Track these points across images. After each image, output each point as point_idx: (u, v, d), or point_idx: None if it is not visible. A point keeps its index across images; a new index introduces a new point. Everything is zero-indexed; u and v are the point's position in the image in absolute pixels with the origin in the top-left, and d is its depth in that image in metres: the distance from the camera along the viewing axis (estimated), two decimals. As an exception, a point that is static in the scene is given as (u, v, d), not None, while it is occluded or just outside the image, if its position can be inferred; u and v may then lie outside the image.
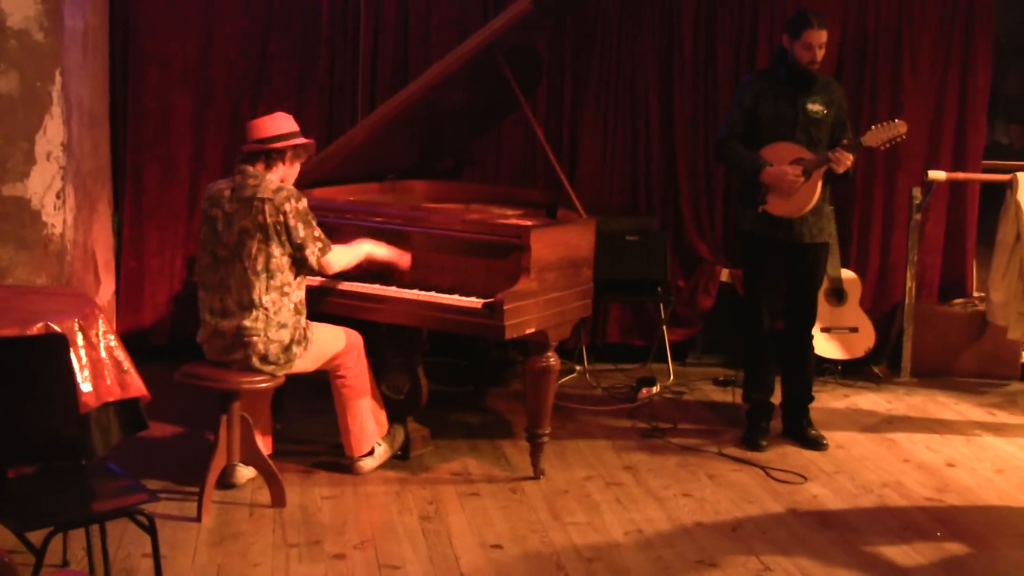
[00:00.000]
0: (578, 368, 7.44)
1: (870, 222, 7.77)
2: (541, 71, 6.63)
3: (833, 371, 7.45)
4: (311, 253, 5.04)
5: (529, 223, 5.43)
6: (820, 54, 5.92)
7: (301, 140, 5.15)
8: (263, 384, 5.04)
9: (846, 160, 5.80)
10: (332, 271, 5.22)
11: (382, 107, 6.04)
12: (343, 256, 5.25)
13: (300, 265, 5.08)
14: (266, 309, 5.00)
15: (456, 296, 5.30)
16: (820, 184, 5.91)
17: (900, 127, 5.96)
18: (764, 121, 5.97)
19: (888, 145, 6.02)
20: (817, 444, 6.15)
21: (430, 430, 5.96)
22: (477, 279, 5.34)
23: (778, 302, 6.20)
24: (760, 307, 6.14)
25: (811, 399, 6.29)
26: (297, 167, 5.21)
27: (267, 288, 5.00)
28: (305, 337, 5.13)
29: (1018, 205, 7.33)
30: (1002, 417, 6.92)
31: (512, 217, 5.79)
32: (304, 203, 5.06)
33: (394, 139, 6.17)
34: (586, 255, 5.72)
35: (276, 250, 4.99)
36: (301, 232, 5.00)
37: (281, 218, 4.96)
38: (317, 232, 5.08)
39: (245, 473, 5.36)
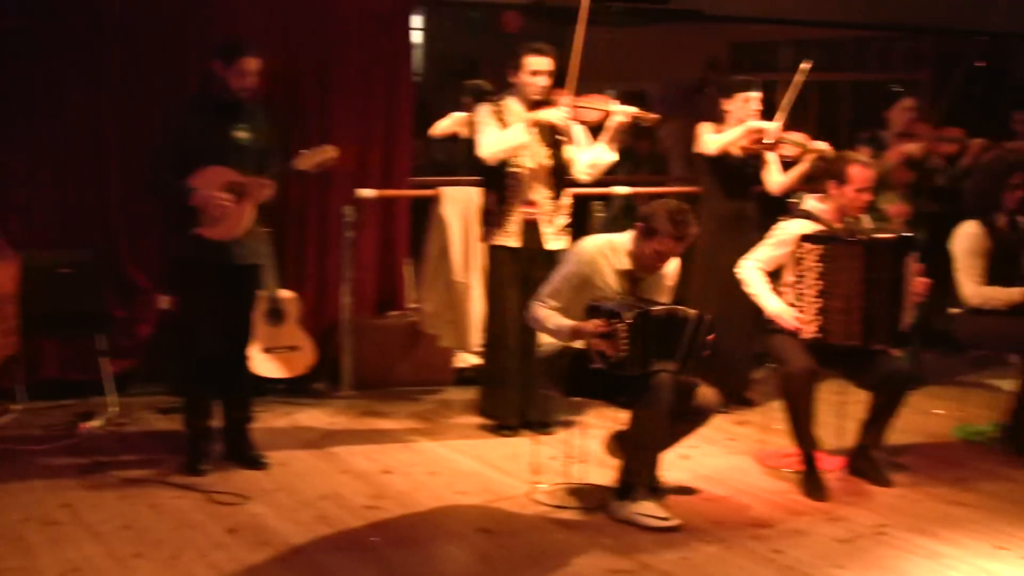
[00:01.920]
0: (13, 408, 7.19)
1: (305, 242, 7.99)
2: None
3: (275, 390, 7.60)
4: None
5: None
6: (253, 81, 6.06)
7: None
8: None
9: (266, 190, 6.03)
10: None
11: None
12: None
13: None
14: None
15: None
16: (252, 207, 6.07)
17: (329, 152, 6.24)
18: (194, 149, 6.01)
19: (319, 169, 6.28)
20: (257, 463, 6.28)
21: None
22: None
23: (215, 326, 6.28)
24: (197, 332, 6.20)
25: (250, 419, 6.42)
26: None
27: None
28: None
29: (442, 218, 7.80)
30: (436, 421, 7.32)
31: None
32: None
33: None
34: (8, 291, 5.57)
35: None
36: None
37: None
38: None
39: None
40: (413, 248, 8.39)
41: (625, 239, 5.81)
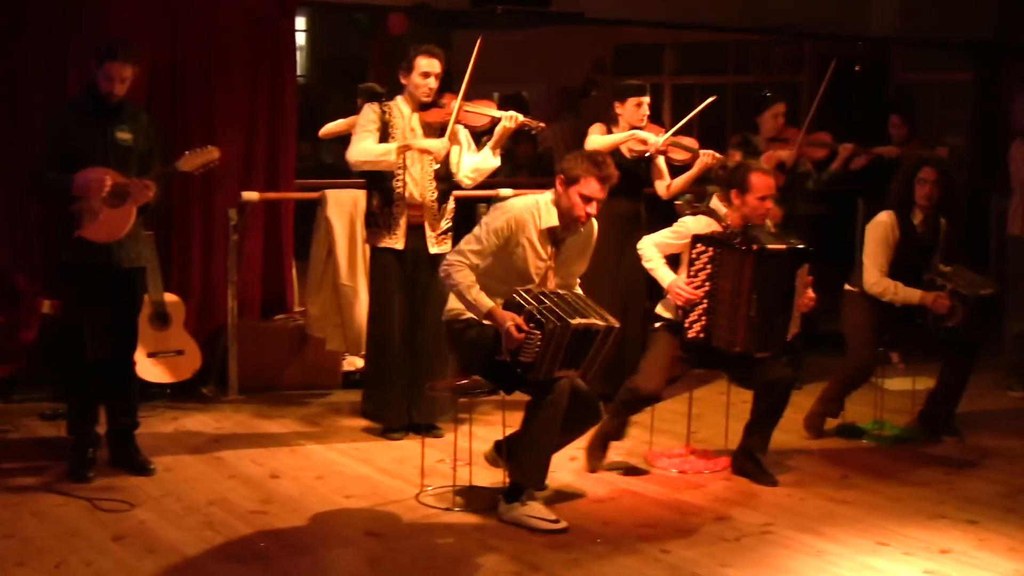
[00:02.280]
0: None
1: (190, 245, 7.94)
2: None
3: (162, 395, 7.54)
4: None
5: None
6: (121, 88, 6.00)
7: None
8: None
9: (148, 191, 6.00)
10: None
11: None
12: None
13: None
14: None
15: None
16: (134, 210, 6.04)
17: (212, 153, 6.25)
18: (75, 151, 5.98)
19: (202, 170, 6.29)
20: (144, 469, 6.23)
21: None
22: None
23: (100, 330, 6.23)
24: (82, 336, 6.14)
25: (136, 425, 6.38)
26: None
27: None
28: None
29: (328, 221, 7.82)
30: (324, 425, 7.33)
31: None
32: None
33: None
34: None
35: None
36: None
37: None
38: None
39: None
40: (299, 251, 8.39)
41: (548, 196, 5.89)
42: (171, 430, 7.09)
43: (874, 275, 7.08)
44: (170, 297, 7.59)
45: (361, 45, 10.71)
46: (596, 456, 6.46)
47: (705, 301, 6.24)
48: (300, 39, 12.30)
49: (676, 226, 6.49)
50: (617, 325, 5.69)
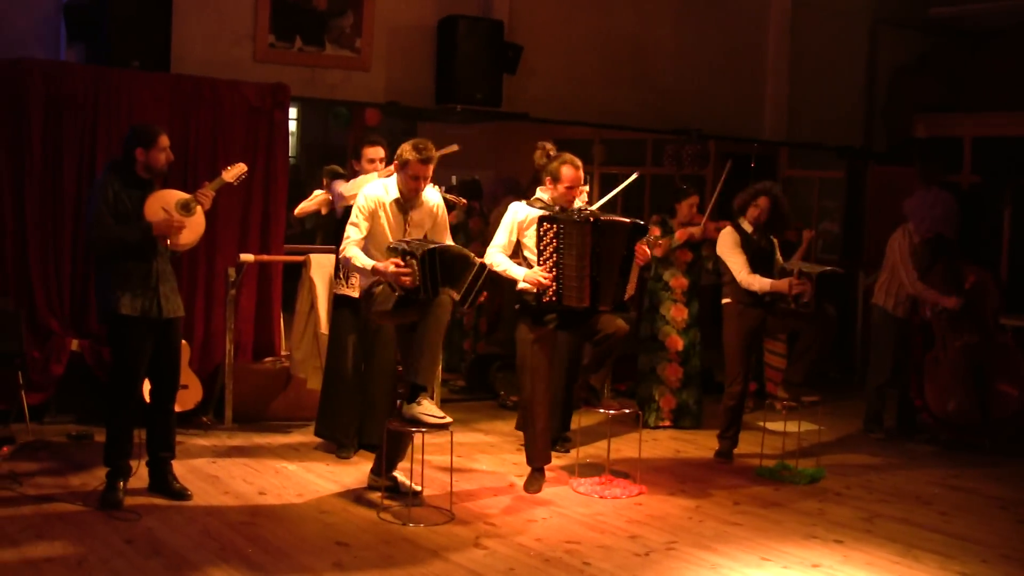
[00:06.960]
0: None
1: (195, 297, 7.92)
2: None
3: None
4: None
5: None
6: (169, 155, 6.09)
7: None
8: None
9: (209, 197, 6.18)
10: None
11: None
12: None
13: None
14: None
15: None
16: (202, 216, 6.09)
17: (243, 167, 6.43)
18: (124, 209, 5.91)
19: (238, 180, 6.44)
20: (181, 495, 6.11)
21: None
22: None
23: (142, 374, 6.12)
24: (132, 382, 6.01)
25: (173, 458, 6.27)
26: None
27: None
28: None
29: (311, 280, 7.86)
30: (304, 451, 7.32)
31: None
32: None
33: None
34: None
35: None
36: None
37: None
38: None
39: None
40: (286, 304, 8.41)
41: (394, 178, 6.21)
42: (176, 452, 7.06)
43: (743, 273, 7.24)
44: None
45: (342, 133, 10.78)
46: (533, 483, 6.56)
47: (555, 270, 6.34)
48: (292, 126, 12.35)
49: (507, 215, 6.57)
50: (488, 263, 6.08)
